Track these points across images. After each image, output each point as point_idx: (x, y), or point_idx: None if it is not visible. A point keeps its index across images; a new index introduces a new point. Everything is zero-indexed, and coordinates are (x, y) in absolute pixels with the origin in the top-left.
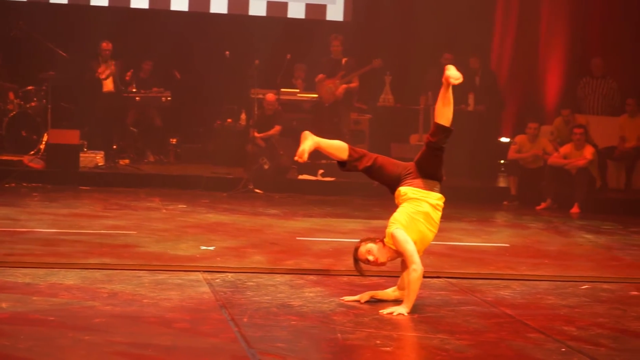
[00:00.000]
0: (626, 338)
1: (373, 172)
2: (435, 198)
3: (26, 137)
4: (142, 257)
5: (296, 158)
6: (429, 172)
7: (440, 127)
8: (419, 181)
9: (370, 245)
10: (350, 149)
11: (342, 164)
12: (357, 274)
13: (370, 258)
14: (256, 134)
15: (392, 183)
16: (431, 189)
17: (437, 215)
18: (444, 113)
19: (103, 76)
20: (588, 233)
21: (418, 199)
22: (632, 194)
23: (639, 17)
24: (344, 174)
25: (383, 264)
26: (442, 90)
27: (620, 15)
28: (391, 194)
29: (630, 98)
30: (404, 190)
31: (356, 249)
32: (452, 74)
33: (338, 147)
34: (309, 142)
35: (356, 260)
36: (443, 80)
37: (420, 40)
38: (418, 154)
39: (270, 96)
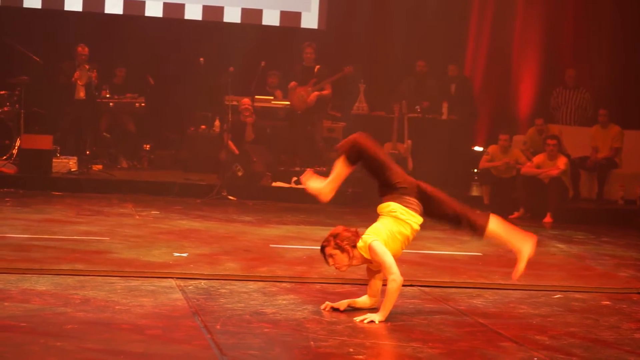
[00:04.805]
0: (598, 348)
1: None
2: (419, 222)
3: None
4: (115, 264)
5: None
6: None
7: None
8: (413, 201)
9: (335, 252)
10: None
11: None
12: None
13: (330, 263)
14: (229, 141)
15: (381, 172)
16: (418, 211)
17: (412, 237)
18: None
19: (80, 82)
20: (560, 242)
21: (405, 221)
22: (604, 204)
23: (612, 29)
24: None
25: (342, 270)
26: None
27: (594, 26)
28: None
29: (602, 109)
30: (394, 206)
31: (323, 247)
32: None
33: (338, 171)
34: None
35: (322, 249)
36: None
37: (395, 49)
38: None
39: (245, 102)
